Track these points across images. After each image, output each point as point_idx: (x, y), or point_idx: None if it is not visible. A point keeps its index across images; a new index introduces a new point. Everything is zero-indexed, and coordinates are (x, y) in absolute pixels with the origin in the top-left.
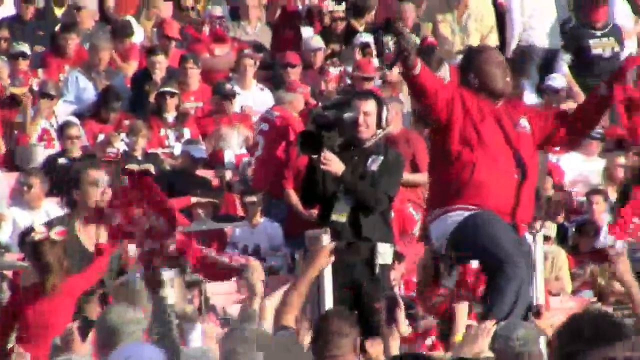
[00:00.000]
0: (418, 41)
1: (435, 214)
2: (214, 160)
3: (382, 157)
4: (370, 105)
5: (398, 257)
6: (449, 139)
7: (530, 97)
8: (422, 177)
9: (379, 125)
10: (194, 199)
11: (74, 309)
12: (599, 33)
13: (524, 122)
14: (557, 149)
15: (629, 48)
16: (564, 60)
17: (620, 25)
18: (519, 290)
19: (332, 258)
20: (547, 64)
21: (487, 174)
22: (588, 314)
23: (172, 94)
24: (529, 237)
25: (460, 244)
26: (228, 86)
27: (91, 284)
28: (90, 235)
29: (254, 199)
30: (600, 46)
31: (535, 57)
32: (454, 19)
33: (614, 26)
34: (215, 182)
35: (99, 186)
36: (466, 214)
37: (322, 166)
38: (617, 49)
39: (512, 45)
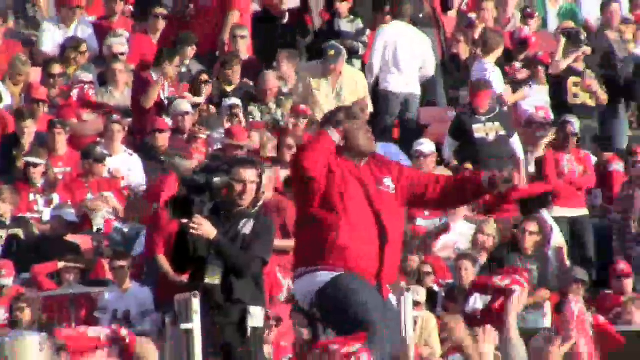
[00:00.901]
0: (280, 114)
1: (300, 272)
2: (84, 226)
3: (253, 221)
4: (253, 174)
5: (277, 320)
6: (313, 202)
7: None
8: (293, 243)
9: (257, 191)
10: (61, 264)
11: None
12: (483, 118)
13: (388, 181)
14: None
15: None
16: (449, 147)
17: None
18: (382, 357)
19: None
20: (405, 109)
21: (350, 237)
22: None
23: (36, 165)
24: (393, 298)
25: (325, 305)
26: (98, 149)
27: None
28: None
29: (123, 263)
30: (483, 131)
31: (393, 102)
32: (328, 85)
33: (501, 111)
34: (84, 246)
35: None
36: (331, 275)
37: (192, 230)
38: (502, 132)
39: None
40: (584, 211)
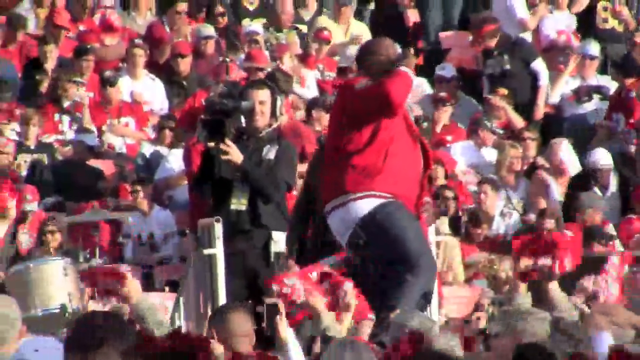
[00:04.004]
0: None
1: (337, 202)
2: (105, 151)
3: (276, 146)
4: (264, 94)
5: None
6: (363, 126)
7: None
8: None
9: (273, 114)
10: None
11: None
12: (495, 52)
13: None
14: None
15: None
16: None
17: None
18: (427, 287)
19: None
20: None
21: (400, 162)
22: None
23: (79, 84)
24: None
25: (372, 231)
26: (107, 73)
27: None
28: None
29: (145, 187)
30: (492, 67)
31: None
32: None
33: (516, 40)
34: (107, 171)
35: None
36: (377, 201)
37: (223, 156)
38: (507, 66)
39: None
40: None
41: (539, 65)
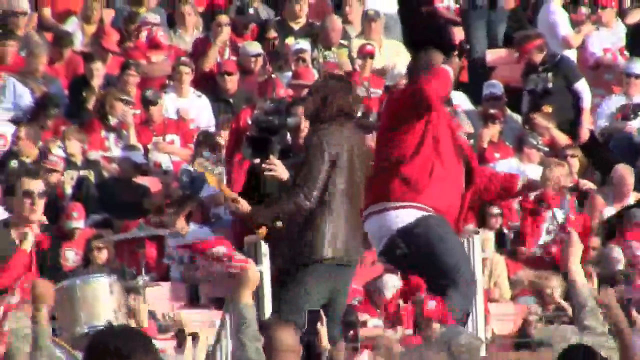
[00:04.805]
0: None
1: (376, 208)
2: (151, 168)
3: None
4: None
5: None
6: (407, 131)
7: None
8: None
9: None
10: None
11: None
12: (540, 68)
13: (462, 132)
14: None
15: None
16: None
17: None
18: (467, 301)
19: None
20: None
21: (445, 177)
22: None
23: (127, 102)
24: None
25: (411, 243)
26: (147, 92)
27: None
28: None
29: (175, 208)
30: (534, 82)
31: None
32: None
33: (562, 57)
34: (153, 188)
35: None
36: (419, 213)
37: (267, 172)
38: (549, 84)
39: None
40: None
41: (583, 86)
